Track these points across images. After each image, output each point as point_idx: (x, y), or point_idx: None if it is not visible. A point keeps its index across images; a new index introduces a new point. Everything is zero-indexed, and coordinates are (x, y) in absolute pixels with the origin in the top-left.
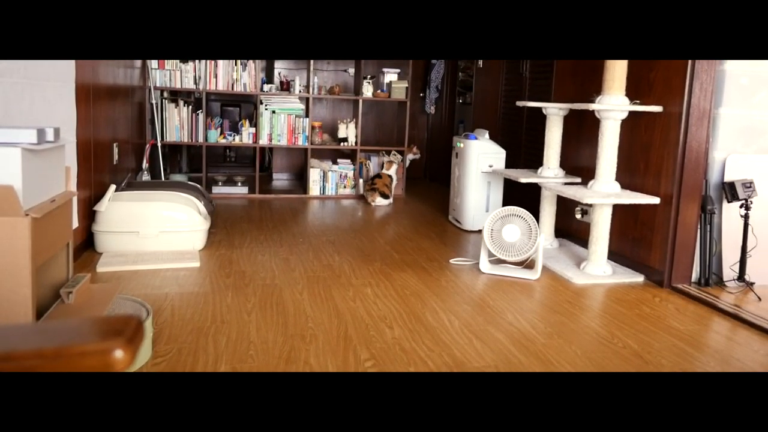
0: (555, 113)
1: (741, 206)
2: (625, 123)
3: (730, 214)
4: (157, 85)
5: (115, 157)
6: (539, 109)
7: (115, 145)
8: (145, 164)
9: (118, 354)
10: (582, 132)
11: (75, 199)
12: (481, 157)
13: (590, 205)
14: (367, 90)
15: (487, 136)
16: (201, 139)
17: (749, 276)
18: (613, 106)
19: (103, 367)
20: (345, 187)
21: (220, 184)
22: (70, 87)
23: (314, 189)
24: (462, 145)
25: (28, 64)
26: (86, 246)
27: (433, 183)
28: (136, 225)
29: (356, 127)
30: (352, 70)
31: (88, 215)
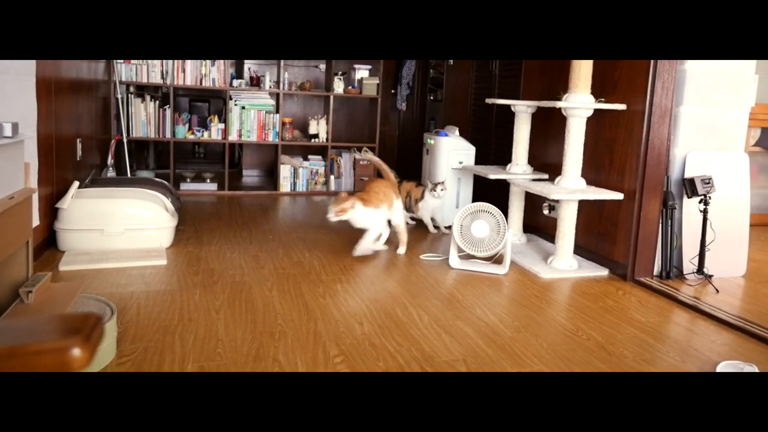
0: (523, 111)
1: (700, 202)
2: (590, 120)
3: (690, 209)
4: (123, 79)
5: (79, 153)
6: (508, 107)
7: (78, 140)
8: (110, 160)
9: (76, 352)
10: (549, 129)
11: (35, 196)
12: (451, 154)
13: (557, 201)
14: (338, 86)
15: (457, 132)
16: (168, 135)
17: (708, 269)
18: (578, 104)
19: (60, 366)
20: (316, 183)
21: (188, 180)
22: (31, 81)
23: (285, 185)
24: (433, 141)
25: None
26: (48, 244)
27: (403, 179)
28: (100, 222)
29: (327, 124)
30: (323, 67)
31: (51, 213)
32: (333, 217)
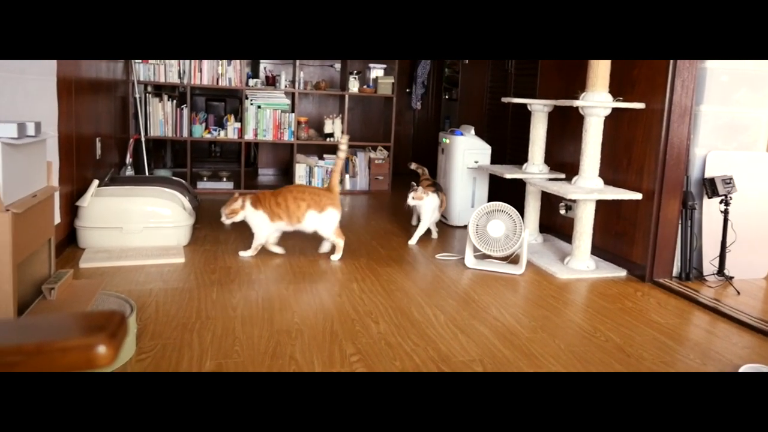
0: (540, 110)
1: (721, 202)
2: (608, 120)
3: (711, 209)
4: (141, 79)
5: (98, 152)
6: (524, 106)
7: (98, 139)
8: (128, 159)
9: (101, 350)
10: (566, 128)
11: (57, 195)
12: (466, 153)
13: (574, 201)
14: (353, 85)
15: (472, 132)
16: (186, 134)
17: (728, 270)
18: (596, 102)
19: (85, 364)
20: None
21: (205, 179)
22: (52, 81)
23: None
24: (448, 141)
25: None
26: (69, 242)
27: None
28: (119, 221)
29: (342, 123)
30: (338, 66)
31: (71, 211)
32: (225, 220)
